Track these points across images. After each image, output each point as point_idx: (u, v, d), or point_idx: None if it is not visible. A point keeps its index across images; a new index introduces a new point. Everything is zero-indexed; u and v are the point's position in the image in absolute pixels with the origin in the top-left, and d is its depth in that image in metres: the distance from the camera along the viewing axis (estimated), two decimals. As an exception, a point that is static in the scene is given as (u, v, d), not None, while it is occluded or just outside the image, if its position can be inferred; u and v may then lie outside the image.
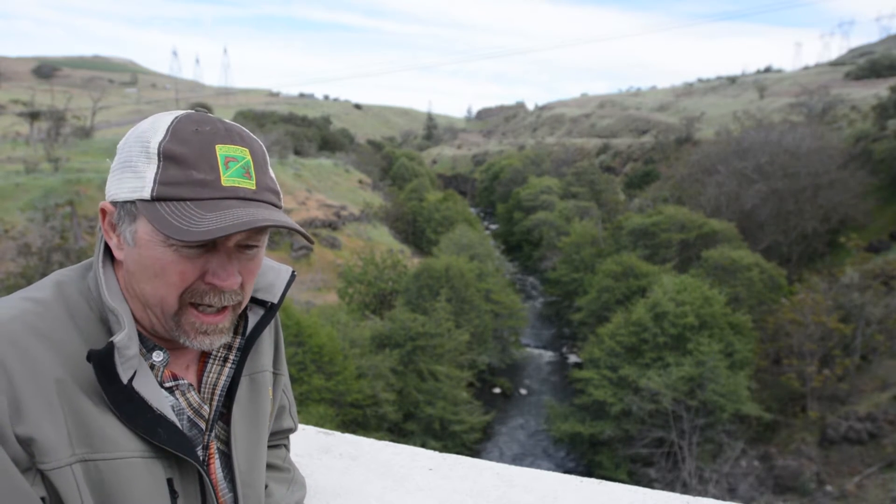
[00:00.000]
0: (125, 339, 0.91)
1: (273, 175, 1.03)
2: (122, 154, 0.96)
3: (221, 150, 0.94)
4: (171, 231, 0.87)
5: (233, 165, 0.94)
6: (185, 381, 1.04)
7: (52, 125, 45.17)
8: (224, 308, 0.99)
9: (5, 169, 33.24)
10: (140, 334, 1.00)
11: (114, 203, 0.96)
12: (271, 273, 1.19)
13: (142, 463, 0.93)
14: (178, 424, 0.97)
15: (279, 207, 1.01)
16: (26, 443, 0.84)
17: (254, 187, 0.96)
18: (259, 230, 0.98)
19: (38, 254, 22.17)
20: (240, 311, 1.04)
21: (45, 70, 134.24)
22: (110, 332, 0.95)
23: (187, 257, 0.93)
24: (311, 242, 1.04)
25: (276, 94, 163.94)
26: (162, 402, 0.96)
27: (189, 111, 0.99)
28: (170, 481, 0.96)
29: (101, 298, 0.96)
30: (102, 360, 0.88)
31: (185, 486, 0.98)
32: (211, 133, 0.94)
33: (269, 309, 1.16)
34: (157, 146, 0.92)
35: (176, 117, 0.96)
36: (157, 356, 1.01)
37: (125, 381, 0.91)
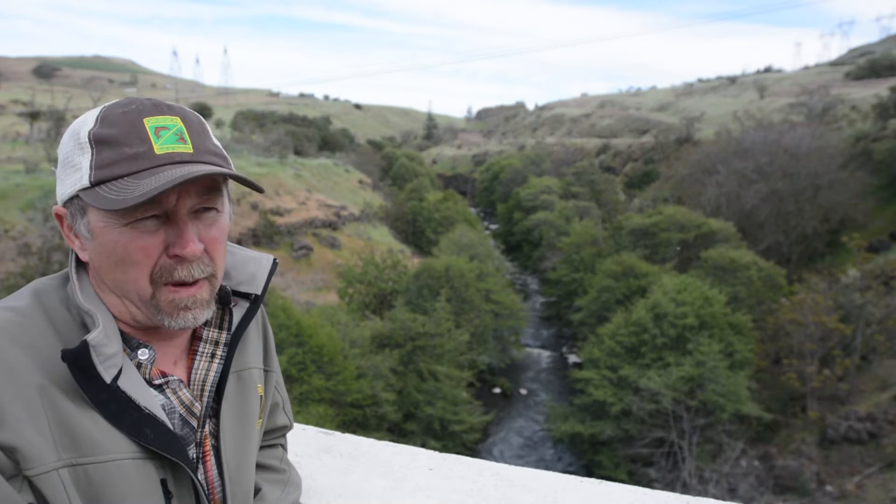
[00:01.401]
0: (100, 336, 0.90)
1: (217, 142, 1.02)
2: (61, 155, 0.96)
3: (150, 122, 0.93)
4: (108, 205, 0.87)
5: (164, 134, 0.93)
6: (176, 378, 1.03)
7: (52, 125, 45.16)
8: (197, 280, 0.98)
9: (5, 169, 33.22)
10: (124, 333, 0.99)
11: (65, 205, 0.96)
12: (252, 264, 1.18)
13: (132, 465, 0.91)
14: (169, 424, 0.95)
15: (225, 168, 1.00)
16: (10, 451, 0.83)
17: (191, 150, 0.95)
18: (211, 190, 0.97)
19: (38, 254, 22.16)
20: (217, 285, 1.02)
21: (45, 70, 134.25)
22: None
23: (145, 232, 0.92)
24: (260, 191, 1.03)
25: (276, 94, 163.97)
26: (150, 400, 0.95)
27: (118, 99, 1.00)
28: (163, 482, 0.95)
29: (76, 302, 0.95)
30: (78, 360, 0.87)
31: (178, 486, 0.97)
32: (137, 110, 0.94)
33: (254, 301, 1.15)
34: (87, 135, 0.92)
35: (104, 106, 0.96)
36: (143, 354, 0.99)
37: (108, 380, 0.89)
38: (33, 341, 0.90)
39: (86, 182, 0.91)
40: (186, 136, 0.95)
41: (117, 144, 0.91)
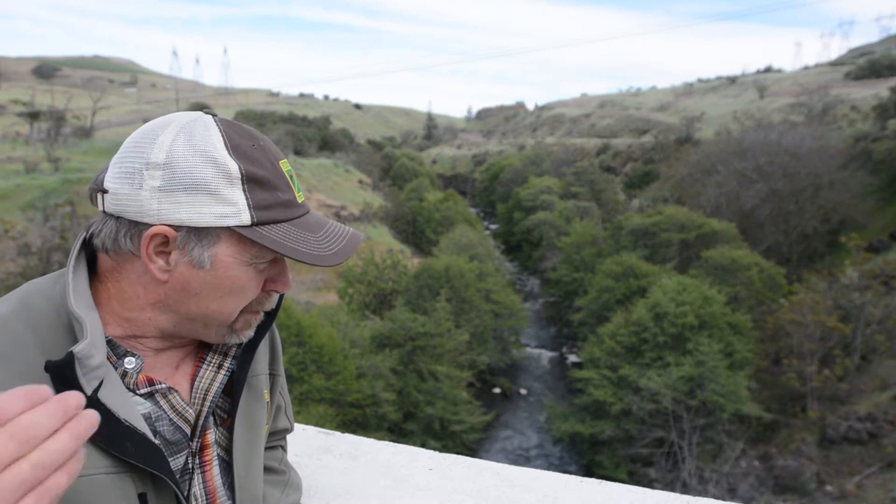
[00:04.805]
0: (87, 348, 0.86)
1: None
2: (186, 175, 0.89)
3: (284, 166, 0.98)
4: (309, 259, 0.93)
5: (294, 181, 0.99)
6: (164, 385, 0.99)
7: (52, 125, 45.23)
8: None
9: (5, 169, 33.26)
10: (111, 341, 0.95)
11: (177, 227, 0.91)
12: None
13: (107, 479, 0.87)
14: (149, 435, 0.91)
15: None
16: None
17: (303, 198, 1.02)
18: None
19: (38, 254, 22.19)
20: None
21: (45, 70, 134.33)
22: (76, 340, 0.89)
23: (261, 271, 0.98)
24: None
25: (276, 94, 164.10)
26: (131, 412, 0.90)
27: (215, 117, 0.96)
28: (143, 496, 0.91)
29: (67, 306, 0.90)
30: (61, 371, 0.83)
31: (160, 500, 0.94)
32: (268, 149, 0.97)
33: (269, 314, 1.14)
34: (237, 168, 0.90)
35: (221, 129, 0.93)
36: (130, 363, 0.95)
37: (89, 392, 0.85)
38: (9, 351, 0.86)
39: (246, 220, 0.91)
40: (295, 180, 1.01)
41: (270, 187, 0.93)
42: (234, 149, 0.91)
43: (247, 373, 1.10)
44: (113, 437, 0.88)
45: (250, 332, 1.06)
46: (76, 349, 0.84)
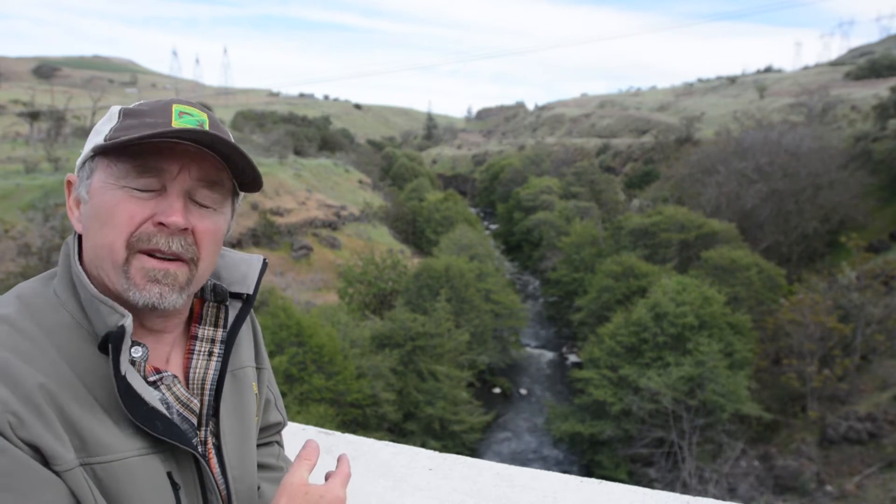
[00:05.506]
0: (131, 322, 0.92)
1: None
2: (92, 131, 1.03)
3: (177, 107, 0.99)
4: (108, 139, 0.94)
5: (185, 117, 0.98)
6: (170, 374, 1.02)
7: (52, 125, 45.25)
8: (176, 258, 0.97)
9: (5, 169, 33.26)
10: None
11: (78, 172, 1.01)
12: (243, 265, 1.19)
13: (139, 461, 0.92)
14: (169, 416, 0.96)
15: None
16: (34, 447, 0.83)
17: None
18: (214, 185, 1.00)
19: (38, 254, 22.18)
20: (196, 276, 1.00)
21: (45, 70, 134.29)
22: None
23: (136, 198, 0.94)
24: (258, 186, 1.06)
25: (276, 94, 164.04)
26: (151, 395, 0.95)
27: None
28: (169, 474, 0.95)
29: (90, 294, 0.94)
30: (115, 345, 0.89)
31: (183, 477, 0.98)
32: (171, 99, 1.02)
33: (247, 300, 1.16)
34: (119, 109, 1.01)
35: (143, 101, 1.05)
36: (137, 351, 0.98)
37: (123, 371, 0.90)
38: (27, 347, 0.89)
39: (101, 140, 0.96)
40: (206, 127, 0.98)
41: (141, 116, 0.98)
42: (140, 103, 1.03)
43: (228, 361, 1.11)
44: (146, 416, 0.92)
45: (158, 293, 0.95)
46: (125, 322, 0.91)
